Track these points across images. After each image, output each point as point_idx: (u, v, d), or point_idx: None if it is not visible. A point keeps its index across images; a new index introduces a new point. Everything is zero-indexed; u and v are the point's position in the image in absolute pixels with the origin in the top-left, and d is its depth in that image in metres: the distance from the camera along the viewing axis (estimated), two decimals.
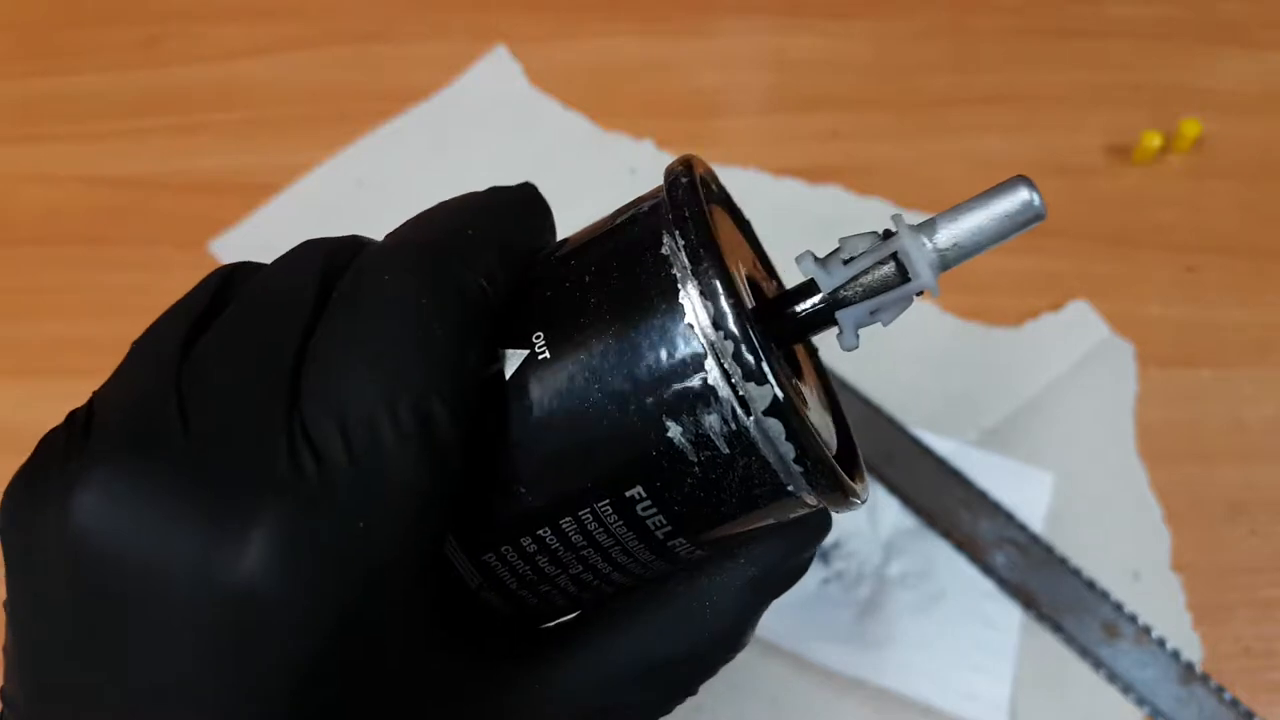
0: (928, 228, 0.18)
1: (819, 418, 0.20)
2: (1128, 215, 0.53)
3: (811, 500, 0.18)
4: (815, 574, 0.42)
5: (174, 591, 0.15)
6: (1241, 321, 0.49)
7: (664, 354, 0.17)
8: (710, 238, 0.17)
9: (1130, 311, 0.49)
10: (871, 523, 0.43)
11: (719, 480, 0.17)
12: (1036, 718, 0.39)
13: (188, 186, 0.56)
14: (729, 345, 0.16)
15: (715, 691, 0.40)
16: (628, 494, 0.17)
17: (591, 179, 0.55)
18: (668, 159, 0.55)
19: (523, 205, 0.20)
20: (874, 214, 0.53)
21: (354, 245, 0.19)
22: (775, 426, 0.16)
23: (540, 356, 0.17)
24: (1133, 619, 0.40)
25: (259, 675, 0.15)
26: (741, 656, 0.40)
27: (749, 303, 0.18)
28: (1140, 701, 0.39)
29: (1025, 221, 0.17)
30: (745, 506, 0.17)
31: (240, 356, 0.16)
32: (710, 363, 0.16)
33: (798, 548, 0.20)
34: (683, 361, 0.16)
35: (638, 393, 0.17)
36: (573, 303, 0.18)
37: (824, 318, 0.18)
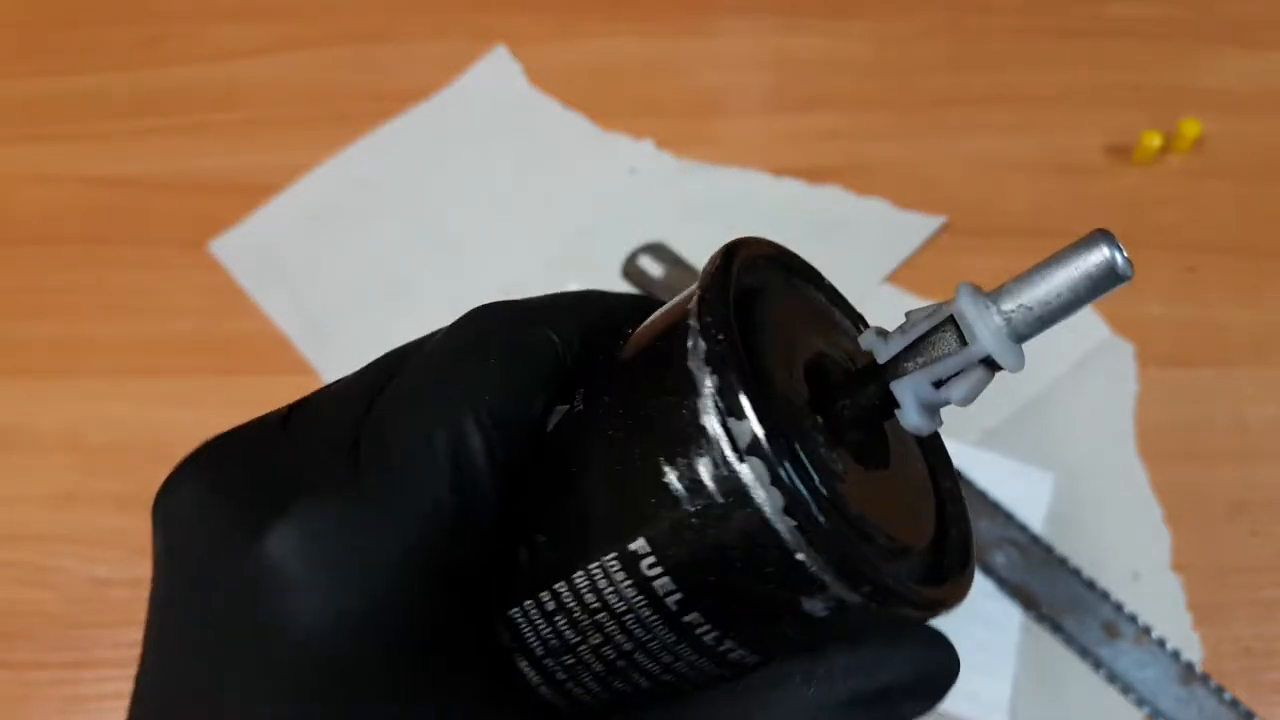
0: (995, 292, 0.17)
1: (882, 500, 0.18)
2: (1128, 215, 0.53)
3: (837, 583, 0.16)
4: None
5: (212, 573, 0.16)
6: (1241, 321, 0.49)
7: (667, 397, 0.16)
8: (721, 289, 0.17)
9: (1130, 311, 0.49)
10: None
11: (719, 536, 0.16)
12: (1036, 718, 0.39)
13: (188, 186, 0.56)
14: (718, 382, 0.16)
15: None
16: (631, 547, 0.16)
17: (591, 179, 0.55)
18: (668, 158, 0.56)
19: (625, 305, 0.20)
20: (874, 214, 0.53)
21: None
22: (757, 467, 0.15)
23: (576, 410, 0.18)
24: (1133, 619, 0.40)
25: (271, 651, 0.15)
26: None
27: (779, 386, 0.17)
28: (1140, 702, 0.39)
29: (1104, 283, 0.16)
30: (758, 578, 0.16)
31: (354, 383, 0.18)
32: (704, 403, 0.16)
33: (879, 678, 0.17)
34: (677, 404, 0.16)
35: (640, 441, 0.17)
36: (611, 358, 0.18)
37: (884, 396, 0.17)
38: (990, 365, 0.16)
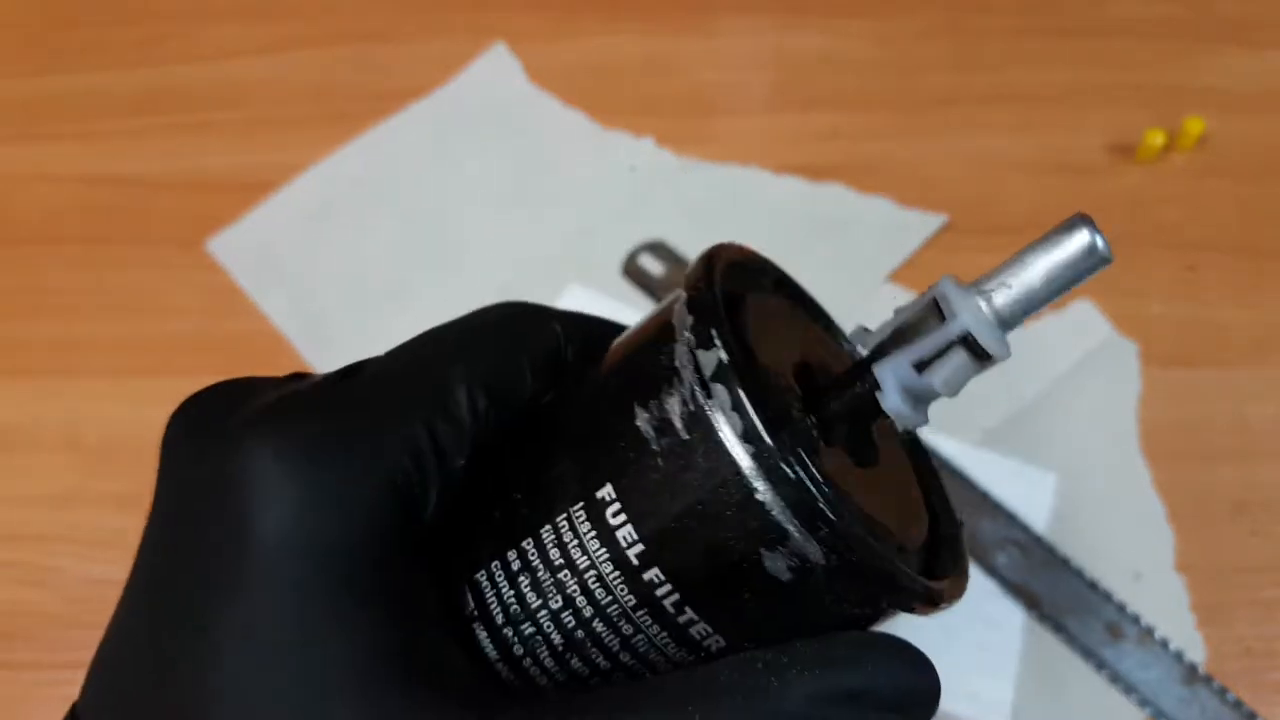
0: (982, 279, 0.17)
1: (869, 494, 0.17)
2: (1131, 214, 0.53)
3: (798, 532, 0.15)
4: None
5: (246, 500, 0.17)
6: (1244, 321, 0.49)
7: (646, 345, 0.17)
8: (708, 291, 0.17)
9: (1133, 311, 0.49)
10: None
11: (683, 476, 0.15)
12: (1038, 718, 0.39)
13: (188, 186, 0.55)
14: (689, 319, 0.16)
15: None
16: (598, 494, 0.16)
17: (591, 177, 0.55)
18: (668, 157, 0.55)
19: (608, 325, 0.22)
20: (875, 213, 0.53)
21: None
22: (721, 393, 0.15)
23: (562, 389, 0.19)
24: (1135, 619, 0.40)
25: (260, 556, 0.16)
26: None
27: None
28: (1143, 703, 0.39)
29: (1084, 264, 0.16)
30: (719, 525, 0.15)
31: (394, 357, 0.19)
32: (679, 345, 0.16)
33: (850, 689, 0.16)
34: (658, 348, 0.17)
35: (615, 393, 0.17)
36: (610, 335, 0.20)
37: (869, 381, 0.17)
38: (973, 350, 0.16)
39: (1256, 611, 0.41)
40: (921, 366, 0.16)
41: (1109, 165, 0.54)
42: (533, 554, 0.17)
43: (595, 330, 0.20)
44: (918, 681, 0.17)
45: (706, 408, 0.15)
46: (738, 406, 0.15)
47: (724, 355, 0.15)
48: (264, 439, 0.16)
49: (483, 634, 0.18)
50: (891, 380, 0.16)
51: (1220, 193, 0.53)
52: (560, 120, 0.57)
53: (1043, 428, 0.45)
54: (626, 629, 0.17)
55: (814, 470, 0.15)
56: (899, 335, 0.16)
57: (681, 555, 0.16)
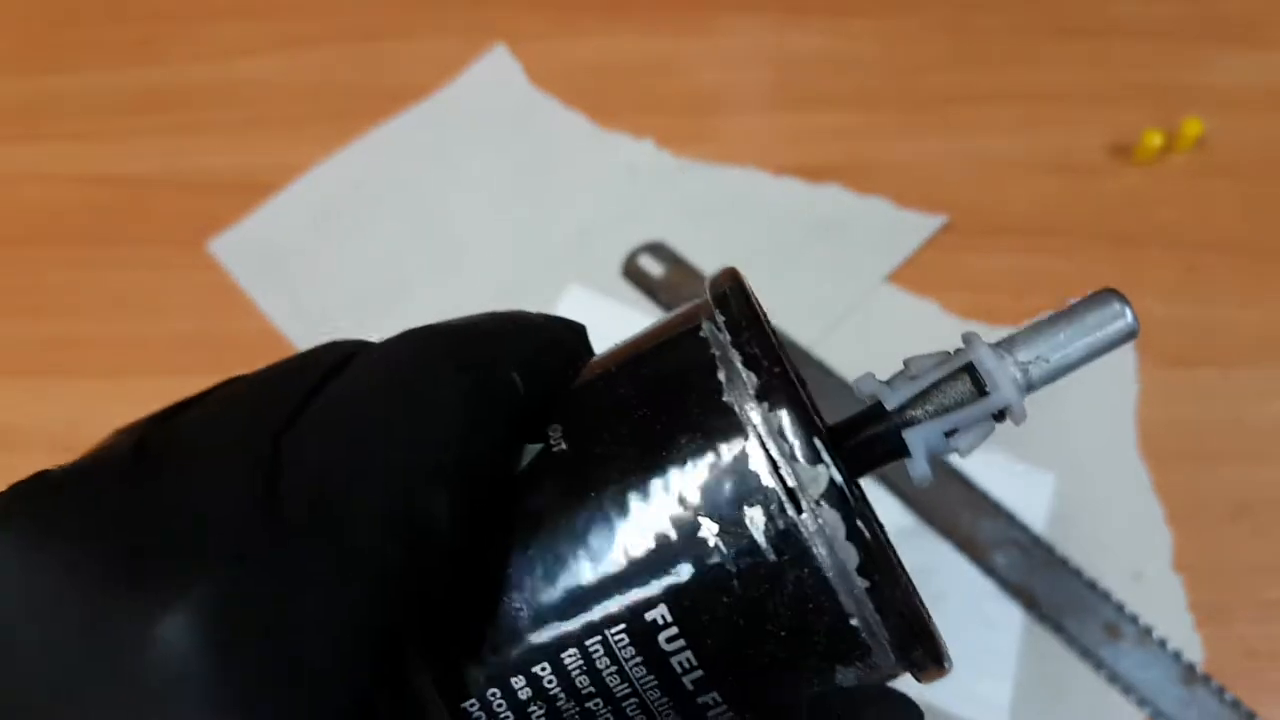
0: (1006, 343, 0.16)
1: None
2: (1129, 214, 0.53)
3: (884, 649, 0.14)
4: None
5: (68, 669, 0.12)
6: (1244, 321, 0.49)
7: (699, 435, 0.14)
8: (756, 315, 0.15)
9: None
10: None
11: (763, 602, 0.14)
12: (1037, 719, 0.39)
13: (188, 186, 0.55)
14: (774, 419, 0.14)
15: None
16: (648, 617, 0.14)
17: (591, 177, 0.55)
18: (668, 157, 0.55)
19: (558, 330, 0.17)
20: (875, 213, 0.53)
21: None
22: (833, 519, 0.14)
23: (555, 450, 0.15)
24: (1134, 620, 0.40)
25: None
26: None
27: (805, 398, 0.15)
28: (1142, 703, 0.39)
29: (1118, 338, 0.16)
30: (797, 649, 0.14)
31: (221, 423, 0.14)
32: (753, 444, 0.14)
33: None
34: (720, 444, 0.14)
35: (665, 485, 0.14)
36: (598, 392, 0.16)
37: (891, 443, 0.16)
38: (999, 416, 0.16)
39: (1257, 612, 0.41)
40: (950, 433, 0.16)
41: (1109, 165, 0.54)
42: (550, 680, 0.14)
43: (537, 345, 0.16)
44: None
45: (803, 530, 0.14)
46: (852, 536, 0.14)
47: (836, 475, 0.14)
48: (192, 624, 0.12)
49: None
50: (922, 447, 0.16)
51: (1220, 193, 0.53)
52: (560, 121, 0.57)
53: (1042, 428, 0.45)
54: None
55: (915, 595, 0.14)
56: (924, 397, 0.16)
57: (747, 678, 0.14)
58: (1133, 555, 0.42)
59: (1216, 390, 0.47)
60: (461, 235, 0.53)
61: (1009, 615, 0.41)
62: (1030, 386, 0.16)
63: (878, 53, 0.60)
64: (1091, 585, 0.41)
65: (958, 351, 0.16)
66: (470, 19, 0.62)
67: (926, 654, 0.15)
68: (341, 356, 0.15)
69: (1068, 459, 0.44)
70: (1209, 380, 0.47)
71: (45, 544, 0.12)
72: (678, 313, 0.17)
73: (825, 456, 0.14)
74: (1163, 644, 0.40)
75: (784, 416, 0.14)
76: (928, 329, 0.49)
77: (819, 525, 0.14)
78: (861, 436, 0.16)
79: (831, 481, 0.14)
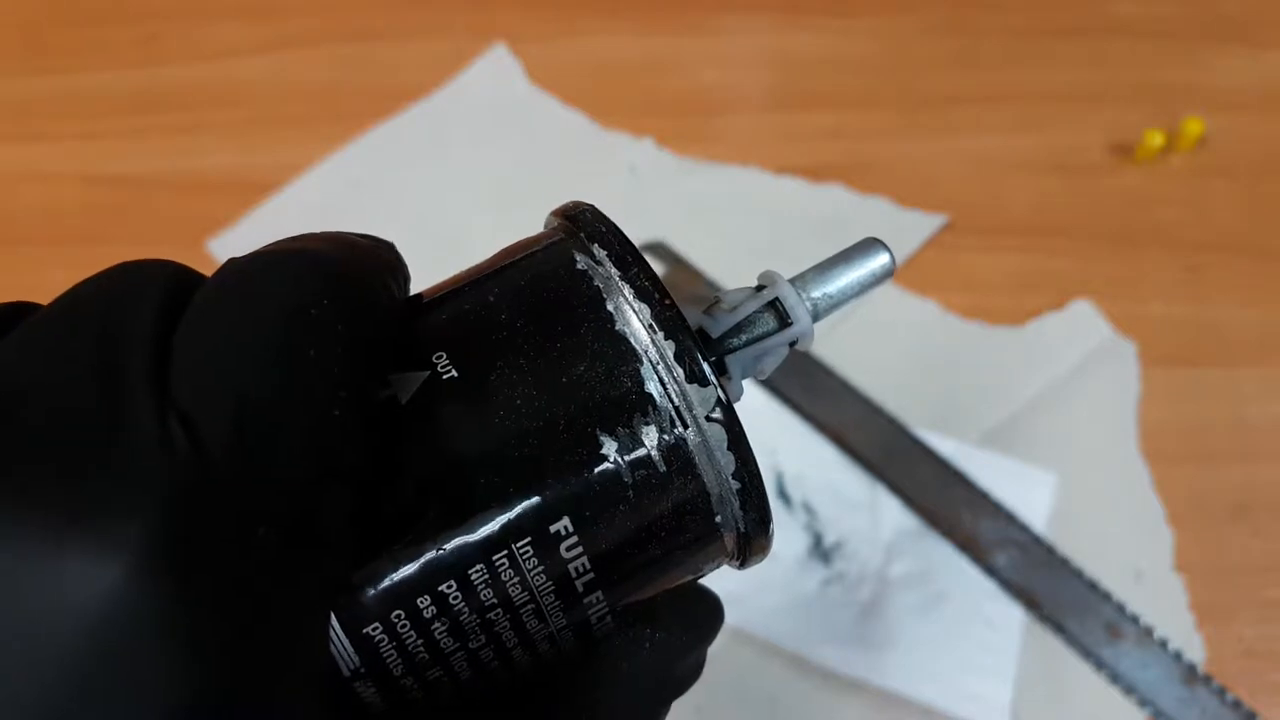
0: (800, 281, 0.19)
1: None
2: (1130, 214, 0.53)
3: (729, 541, 0.16)
4: (816, 575, 0.42)
5: (16, 634, 0.11)
6: (1244, 320, 0.49)
7: (595, 364, 0.15)
8: (632, 246, 0.17)
9: (1132, 311, 0.49)
10: (873, 524, 0.43)
11: (651, 508, 0.15)
12: (1038, 718, 0.39)
13: (187, 186, 0.55)
14: (667, 347, 0.15)
15: (715, 692, 0.40)
16: (553, 529, 0.15)
17: (591, 177, 0.55)
18: (668, 157, 0.55)
19: (384, 248, 0.18)
20: (875, 213, 0.53)
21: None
22: (717, 433, 0.15)
23: (445, 377, 0.15)
24: (1135, 620, 0.40)
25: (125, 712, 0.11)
26: (742, 657, 0.40)
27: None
28: (1142, 703, 0.39)
29: (883, 275, 0.19)
30: (672, 547, 0.16)
31: (72, 343, 0.13)
32: (646, 369, 0.15)
33: (695, 631, 0.17)
34: (617, 371, 0.15)
35: (565, 408, 0.15)
36: (478, 321, 0.16)
37: (714, 365, 0.17)
38: (793, 345, 0.19)
39: (1257, 612, 0.41)
40: (758, 357, 0.19)
41: (1109, 165, 0.54)
42: (456, 597, 0.15)
43: (373, 267, 0.16)
44: (699, 656, 0.18)
45: (690, 444, 0.15)
46: (734, 445, 0.15)
47: (723, 395, 0.15)
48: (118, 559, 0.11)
49: (369, 690, 0.15)
50: (739, 370, 0.18)
51: (1221, 193, 0.53)
52: (560, 121, 0.57)
53: (1042, 428, 0.45)
54: (545, 646, 0.16)
55: (765, 491, 0.16)
56: (739, 329, 0.18)
57: (624, 570, 0.16)
58: (1133, 555, 0.42)
59: (1217, 390, 0.46)
60: (461, 235, 0.53)
61: (1010, 615, 0.41)
62: (818, 317, 0.19)
63: (878, 53, 0.60)
64: (1092, 585, 0.41)
65: (760, 289, 0.19)
66: (470, 19, 0.62)
67: (767, 543, 0.17)
68: (175, 287, 0.14)
69: (1069, 459, 0.44)
70: (1209, 380, 0.47)
71: None
72: (530, 241, 0.18)
73: (713, 379, 0.15)
74: (1163, 644, 0.40)
75: (675, 345, 0.15)
76: (928, 329, 0.49)
77: (703, 439, 0.15)
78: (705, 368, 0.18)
79: (719, 400, 0.15)
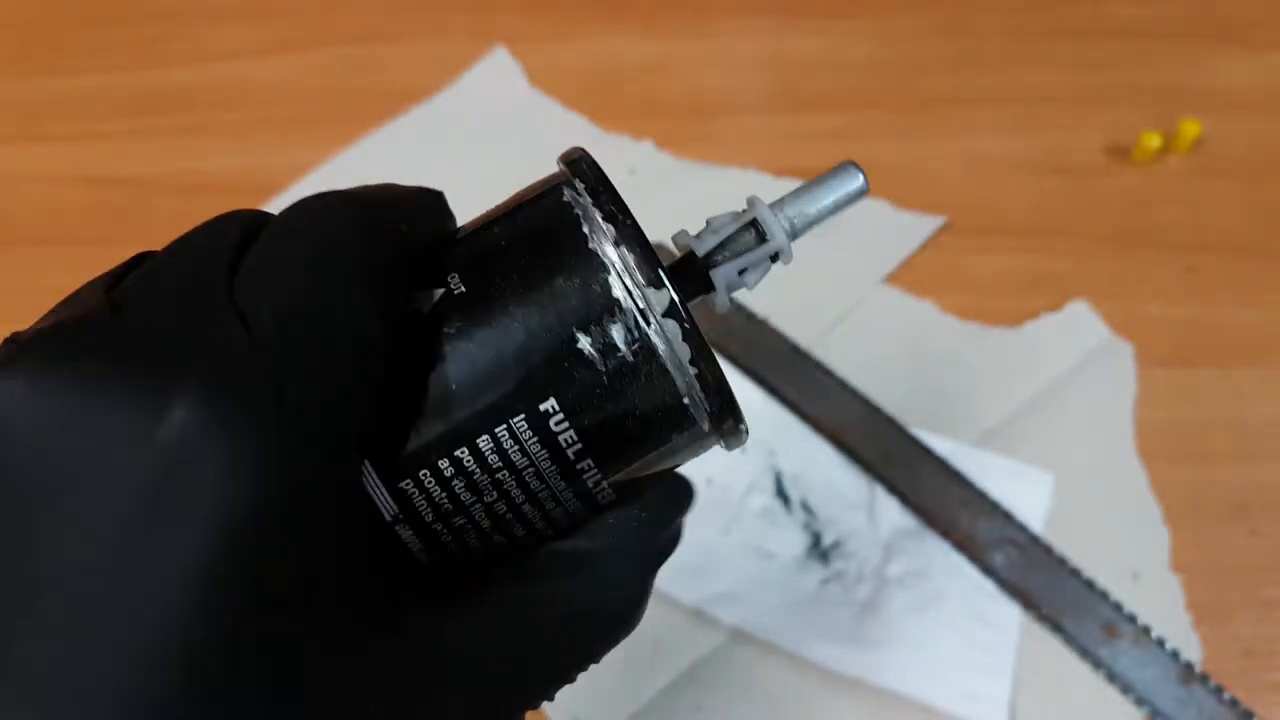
0: (778, 204, 0.22)
1: None
2: (1127, 215, 0.53)
3: (704, 422, 0.20)
4: (815, 574, 0.42)
5: (93, 469, 0.15)
6: (1242, 321, 0.49)
7: (572, 276, 0.19)
8: (608, 181, 0.20)
9: (1130, 311, 0.49)
10: (871, 523, 0.43)
11: (624, 390, 0.19)
12: (1036, 718, 0.39)
13: (188, 186, 0.56)
14: (630, 257, 0.19)
15: (715, 692, 0.40)
16: (541, 407, 0.19)
17: None
18: (668, 159, 0.56)
19: (425, 196, 0.22)
20: (874, 214, 0.53)
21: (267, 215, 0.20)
22: (672, 328, 0.19)
23: (456, 293, 0.20)
24: (1132, 619, 0.40)
25: (182, 549, 0.14)
26: (742, 656, 0.40)
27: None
28: (1140, 702, 0.39)
29: (856, 195, 0.22)
30: (648, 422, 0.19)
31: (171, 272, 0.18)
32: (613, 278, 0.19)
33: (674, 507, 0.21)
34: (589, 279, 0.19)
35: (548, 312, 0.19)
36: (484, 248, 0.20)
37: (702, 281, 0.21)
38: (774, 258, 0.22)
39: (1254, 612, 0.41)
40: (741, 272, 0.21)
41: (1107, 166, 0.55)
42: (469, 460, 0.19)
43: (407, 209, 0.20)
44: (677, 524, 0.21)
45: (652, 337, 0.19)
46: (688, 337, 0.19)
47: (675, 296, 0.19)
48: (198, 409, 0.15)
49: (407, 533, 0.19)
50: (723, 283, 0.21)
51: (1218, 194, 0.53)
52: (560, 123, 0.57)
53: (1040, 429, 0.46)
54: (549, 504, 0.20)
55: (725, 378, 0.19)
56: (722, 247, 0.21)
57: (609, 444, 0.19)
58: (1130, 555, 0.42)
59: (1214, 390, 0.47)
60: None
61: (1007, 614, 0.41)
62: (795, 234, 0.21)
63: (876, 54, 0.60)
64: (1089, 585, 0.41)
65: (743, 212, 0.22)
66: (471, 21, 0.62)
67: (735, 422, 0.20)
68: (250, 225, 0.19)
69: (1066, 459, 0.44)
70: (1207, 380, 0.47)
71: (50, 375, 0.15)
72: (539, 183, 0.22)
73: (666, 283, 0.19)
74: (1160, 643, 0.40)
75: (635, 256, 0.19)
76: (926, 329, 0.49)
77: (662, 332, 0.19)
78: (684, 276, 0.21)
79: (671, 301, 0.19)
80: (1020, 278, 0.50)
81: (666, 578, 0.41)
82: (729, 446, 0.21)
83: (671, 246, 0.22)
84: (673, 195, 0.54)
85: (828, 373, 0.47)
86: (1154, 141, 0.53)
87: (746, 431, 0.21)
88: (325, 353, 0.16)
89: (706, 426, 0.20)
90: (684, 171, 0.55)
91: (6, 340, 0.16)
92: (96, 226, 0.54)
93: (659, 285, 0.19)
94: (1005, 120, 0.57)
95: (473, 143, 0.57)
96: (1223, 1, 0.61)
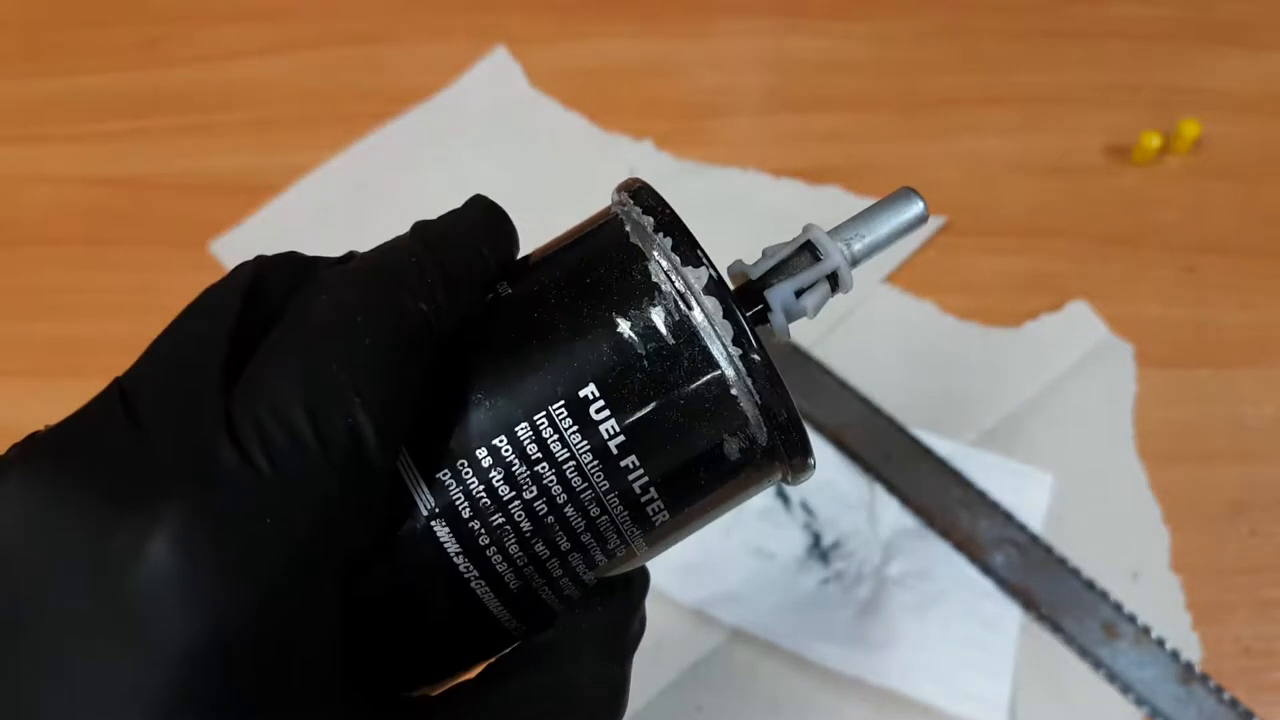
0: (835, 229, 0.21)
1: None
2: (1127, 215, 0.53)
3: (748, 409, 0.18)
4: (815, 574, 0.42)
5: (69, 585, 0.15)
6: (1241, 321, 0.49)
7: (612, 266, 0.19)
8: (650, 188, 0.20)
9: (1130, 312, 0.49)
10: (871, 523, 0.43)
11: (665, 376, 0.18)
12: (1036, 718, 0.39)
13: (188, 187, 0.56)
14: (666, 243, 0.18)
15: (715, 692, 0.40)
16: (581, 394, 0.18)
17: (591, 179, 0.55)
18: (667, 159, 0.56)
19: (488, 223, 0.21)
20: None
21: (293, 262, 0.19)
22: (712, 305, 0.18)
23: (504, 295, 0.20)
24: (1132, 619, 0.40)
25: (149, 669, 0.14)
26: (742, 656, 0.40)
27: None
28: (1139, 701, 0.39)
29: (915, 222, 0.21)
30: (693, 413, 0.18)
31: (167, 366, 0.18)
32: (653, 263, 0.19)
33: (636, 602, 0.20)
34: (630, 266, 0.19)
35: (589, 300, 0.19)
36: (537, 257, 0.21)
37: (756, 299, 0.21)
38: (833, 283, 0.21)
39: (1254, 611, 0.41)
40: (798, 294, 0.21)
41: (1106, 167, 0.55)
42: (507, 450, 0.18)
43: (455, 256, 0.20)
44: (640, 619, 0.20)
45: (694, 318, 0.18)
46: (729, 315, 0.18)
47: (714, 273, 0.18)
48: (169, 542, 0.15)
49: (443, 530, 0.18)
50: (779, 304, 0.20)
51: (1218, 194, 0.53)
52: (560, 123, 0.57)
53: (1040, 429, 0.46)
54: (594, 511, 0.19)
55: (775, 367, 0.18)
56: (779, 269, 0.21)
57: (656, 442, 0.18)
58: (1130, 555, 0.42)
59: (1214, 391, 0.47)
60: None
61: (1007, 614, 0.41)
62: (854, 260, 0.21)
63: (876, 55, 0.60)
64: (1089, 584, 0.41)
65: (798, 237, 0.21)
66: (471, 21, 0.62)
67: (790, 422, 0.19)
68: (252, 291, 0.19)
69: (1066, 459, 0.44)
70: (1206, 380, 0.47)
71: (41, 488, 0.15)
72: (589, 219, 0.22)
73: (705, 260, 0.18)
74: (1160, 643, 0.40)
75: (673, 240, 0.19)
76: (926, 330, 0.49)
77: (704, 313, 0.18)
78: (743, 300, 0.20)
79: (710, 277, 0.18)
80: (1020, 278, 0.50)
81: (667, 578, 0.41)
82: (794, 471, 0.20)
83: (726, 276, 0.21)
84: (673, 195, 0.54)
85: (828, 372, 0.47)
86: (1154, 142, 0.53)
87: (814, 464, 0.19)
88: (313, 488, 0.16)
89: (753, 415, 0.18)
90: (684, 171, 0.55)
91: (29, 436, 0.17)
92: (98, 227, 0.54)
93: (699, 264, 0.18)
94: (1005, 121, 0.57)
95: (473, 143, 0.57)
96: (1222, 2, 0.61)
